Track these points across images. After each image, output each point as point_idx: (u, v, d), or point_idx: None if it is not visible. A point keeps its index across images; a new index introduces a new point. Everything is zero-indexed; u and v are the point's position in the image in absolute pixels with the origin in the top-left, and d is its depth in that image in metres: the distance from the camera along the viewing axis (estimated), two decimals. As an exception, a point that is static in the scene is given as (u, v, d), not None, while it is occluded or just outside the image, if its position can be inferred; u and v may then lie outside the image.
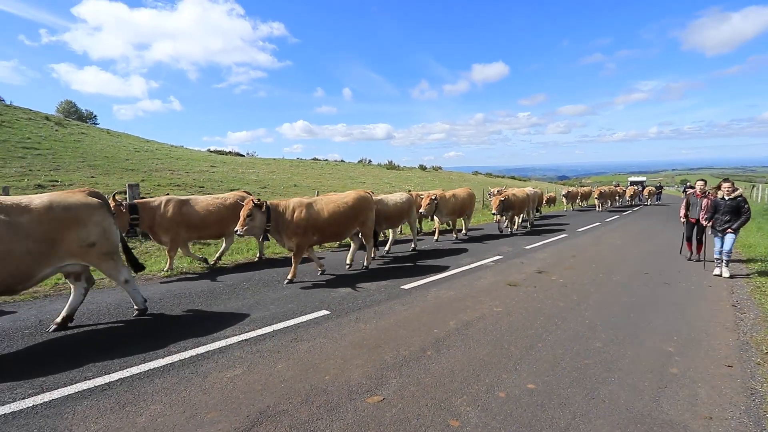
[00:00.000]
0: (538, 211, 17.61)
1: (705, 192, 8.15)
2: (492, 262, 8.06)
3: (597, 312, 5.09)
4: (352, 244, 7.64)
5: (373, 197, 7.77)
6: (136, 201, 6.68)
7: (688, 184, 35.13)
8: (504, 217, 12.08)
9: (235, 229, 5.80)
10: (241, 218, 5.80)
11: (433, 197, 9.76)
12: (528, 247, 9.81)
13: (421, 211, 9.54)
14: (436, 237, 10.81)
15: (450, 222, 11.04)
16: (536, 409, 2.94)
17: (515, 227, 12.67)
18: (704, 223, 7.51)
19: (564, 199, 23.19)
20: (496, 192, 13.78)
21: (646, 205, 28.69)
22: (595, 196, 22.75)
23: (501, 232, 12.36)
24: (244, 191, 8.54)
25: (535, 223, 15.26)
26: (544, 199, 21.74)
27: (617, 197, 26.27)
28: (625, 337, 4.29)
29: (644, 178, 45.46)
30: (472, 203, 11.66)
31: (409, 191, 11.30)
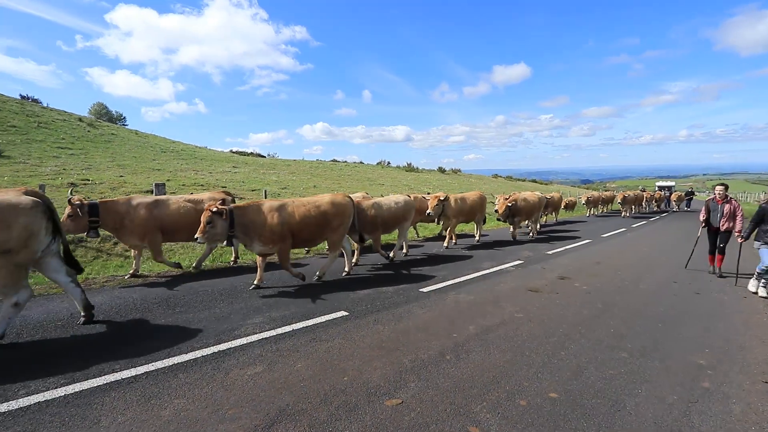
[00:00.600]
0: (542, 216, 16.97)
1: (726, 197, 7.46)
2: (512, 266, 7.93)
3: (623, 321, 4.93)
4: (352, 251, 7.43)
5: (366, 200, 7.50)
6: (98, 201, 6.24)
7: (690, 189, 33.06)
8: (512, 223, 11.44)
9: (195, 236, 5.45)
10: (201, 225, 5.45)
11: (441, 198, 9.40)
12: (550, 253, 9.60)
13: (428, 212, 9.22)
14: (446, 244, 10.10)
15: (457, 224, 10.57)
16: (558, 419, 2.87)
17: (531, 233, 12.18)
18: (737, 236, 6.92)
19: (585, 205, 21.98)
20: (501, 199, 13.30)
21: (674, 211, 27.18)
22: (618, 200, 21.50)
23: (514, 239, 11.70)
24: (223, 190, 8.07)
25: (546, 229, 14.68)
26: (563, 203, 20.70)
27: (644, 203, 24.94)
28: (653, 348, 4.13)
29: (673, 183, 43.33)
30: (483, 207, 11.09)
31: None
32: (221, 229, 5.56)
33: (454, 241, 10.51)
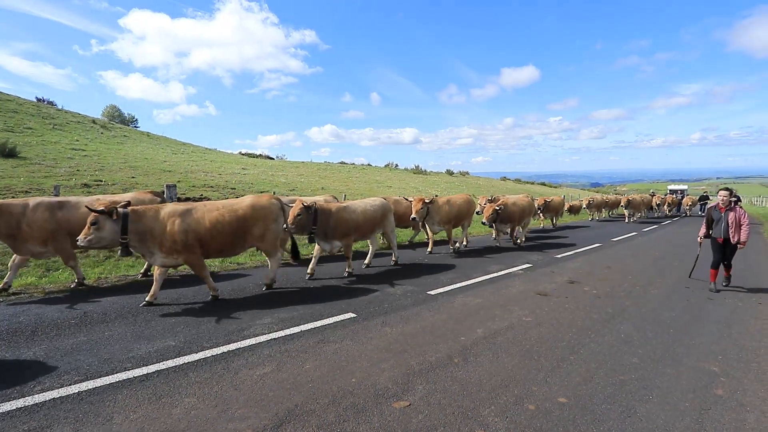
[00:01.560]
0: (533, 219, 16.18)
1: (730, 204, 6.51)
2: (521, 270, 7.88)
3: (633, 326, 4.86)
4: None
5: (337, 203, 7.03)
6: None
7: (704, 193, 28.41)
8: (499, 229, 10.63)
9: (77, 239, 4.80)
10: (86, 226, 4.77)
11: (426, 200, 8.83)
12: (559, 256, 9.52)
13: (412, 216, 8.62)
14: (429, 248, 9.57)
15: (442, 230, 9.67)
16: (567, 425, 2.84)
17: (519, 240, 11.29)
18: (741, 248, 6.37)
19: (586, 209, 20.21)
20: (484, 201, 11.91)
21: (684, 216, 25.53)
22: (623, 204, 19.83)
23: (515, 244, 10.91)
24: (150, 191, 7.29)
25: (532, 235, 13.42)
26: (566, 206, 19.09)
27: (653, 206, 23.04)
28: (665, 354, 4.07)
29: (685, 187, 42.38)
30: (471, 211, 10.37)
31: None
32: (109, 233, 4.79)
33: (429, 249, 9.65)
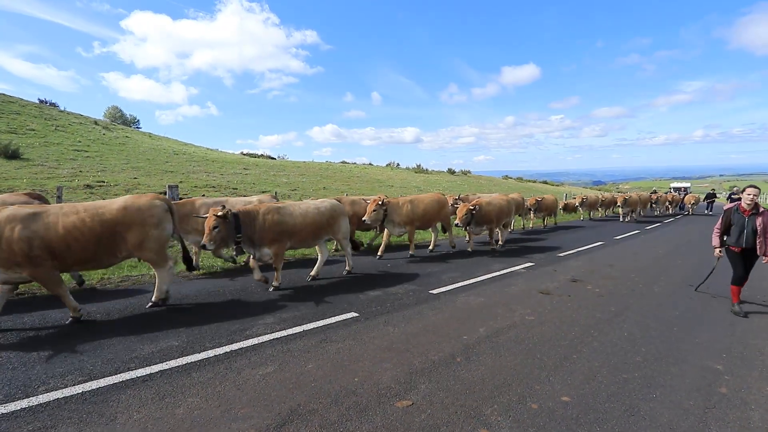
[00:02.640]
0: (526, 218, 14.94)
1: (757, 207, 5.28)
2: (523, 269, 7.86)
3: (637, 324, 4.85)
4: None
5: (275, 205, 6.07)
6: None
7: (735, 189, 23.84)
8: (474, 232, 9.61)
9: None
10: None
11: (380, 202, 8.04)
12: (561, 255, 9.49)
13: (364, 218, 7.90)
14: (380, 252, 8.64)
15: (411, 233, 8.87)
16: (571, 423, 2.84)
17: (499, 243, 10.42)
18: (765, 259, 5.17)
19: (579, 208, 18.70)
20: (452, 201, 10.63)
21: (687, 214, 24.12)
22: (619, 203, 18.45)
23: (493, 249, 9.82)
24: (31, 191, 6.54)
25: (514, 237, 12.63)
26: (560, 205, 18.27)
27: (652, 204, 21.85)
28: (668, 352, 4.06)
29: (688, 185, 41.94)
30: (442, 212, 9.48)
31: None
32: None
33: (379, 253, 8.66)
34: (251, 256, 6.09)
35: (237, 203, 7.15)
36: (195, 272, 6.80)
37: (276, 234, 5.90)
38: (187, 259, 5.68)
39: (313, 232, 6.45)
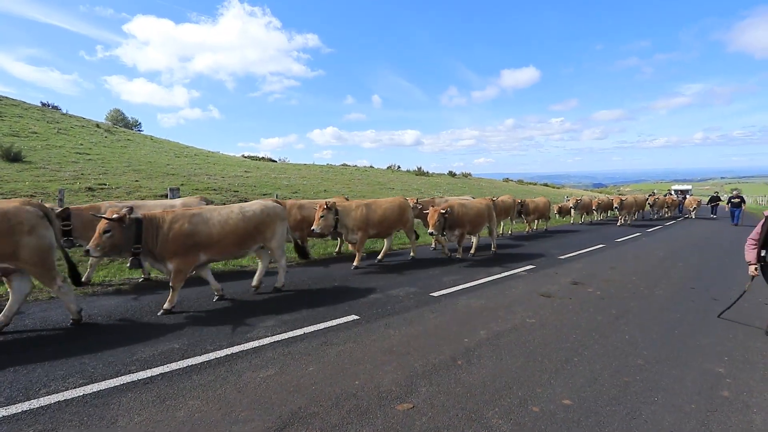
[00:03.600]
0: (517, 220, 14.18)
1: None
2: (524, 271, 7.85)
3: (638, 327, 4.84)
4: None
5: (188, 212, 5.16)
6: None
7: (735, 192, 21.30)
8: (450, 239, 8.80)
9: None
10: None
11: (328, 207, 7.25)
12: (562, 257, 9.48)
13: (313, 227, 7.16)
14: (356, 262, 7.78)
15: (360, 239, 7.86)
16: (572, 426, 2.83)
17: (471, 251, 9.55)
18: None
19: (573, 210, 18.04)
20: (413, 203, 9.33)
21: (687, 217, 23.50)
22: (615, 205, 17.71)
23: (450, 256, 9.06)
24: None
25: (486, 242, 10.88)
26: (555, 208, 17.88)
27: (650, 207, 21.20)
28: (670, 356, 4.05)
29: (689, 187, 41.82)
30: (404, 217, 8.50)
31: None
32: None
33: (355, 262, 7.79)
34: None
35: (155, 207, 6.29)
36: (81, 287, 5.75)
37: (182, 246, 4.92)
38: (73, 272, 4.87)
39: (236, 242, 5.43)
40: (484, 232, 10.31)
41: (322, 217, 7.17)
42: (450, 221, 8.37)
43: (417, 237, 9.16)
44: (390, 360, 3.80)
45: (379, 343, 4.20)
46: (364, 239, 7.97)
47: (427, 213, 8.36)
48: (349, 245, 8.22)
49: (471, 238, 9.95)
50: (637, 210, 20.07)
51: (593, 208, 18.74)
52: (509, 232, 14.48)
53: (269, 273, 6.51)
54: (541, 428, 2.80)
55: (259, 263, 6.17)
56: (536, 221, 15.48)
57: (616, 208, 17.78)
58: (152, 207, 6.39)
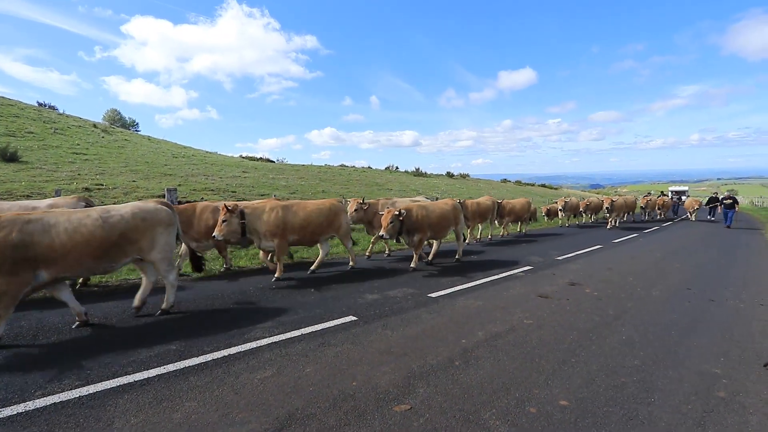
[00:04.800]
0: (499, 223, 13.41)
1: None
2: (522, 272, 7.87)
3: (635, 328, 4.85)
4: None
5: (22, 217, 4.02)
6: None
7: (727, 194, 21.57)
8: (409, 243, 7.97)
9: None
10: None
11: (230, 209, 6.14)
12: (560, 258, 9.51)
13: (215, 234, 6.13)
14: (277, 274, 6.71)
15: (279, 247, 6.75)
16: (569, 427, 2.83)
17: (429, 257, 8.65)
18: None
19: (561, 212, 17.27)
20: (354, 206, 8.40)
21: (684, 218, 23.08)
22: (606, 206, 16.92)
23: (423, 263, 8.11)
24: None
25: (448, 246, 10.37)
26: (543, 210, 17.73)
27: (644, 209, 20.60)
28: (666, 356, 4.06)
29: (686, 188, 42.04)
30: (337, 221, 7.49)
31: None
32: None
33: (276, 274, 6.73)
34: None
35: (12, 209, 5.44)
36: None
37: (7, 261, 3.80)
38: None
39: (94, 254, 4.34)
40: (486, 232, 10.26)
41: (224, 221, 6.15)
42: (408, 225, 7.59)
43: (394, 241, 7.97)
44: (388, 361, 3.80)
45: (376, 344, 4.20)
46: (283, 247, 6.82)
47: (380, 215, 7.77)
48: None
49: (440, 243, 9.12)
50: (628, 212, 19.64)
51: (581, 209, 18.00)
52: (488, 237, 13.08)
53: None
54: (538, 429, 2.80)
55: (143, 279, 5.03)
56: (519, 224, 14.72)
57: (606, 209, 17.05)
58: (7, 209, 5.39)
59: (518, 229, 14.94)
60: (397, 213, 7.42)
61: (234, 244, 7.10)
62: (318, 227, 7.22)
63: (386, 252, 9.62)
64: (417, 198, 10.19)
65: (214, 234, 6.22)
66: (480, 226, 12.86)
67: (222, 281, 6.73)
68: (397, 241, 7.83)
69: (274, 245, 6.73)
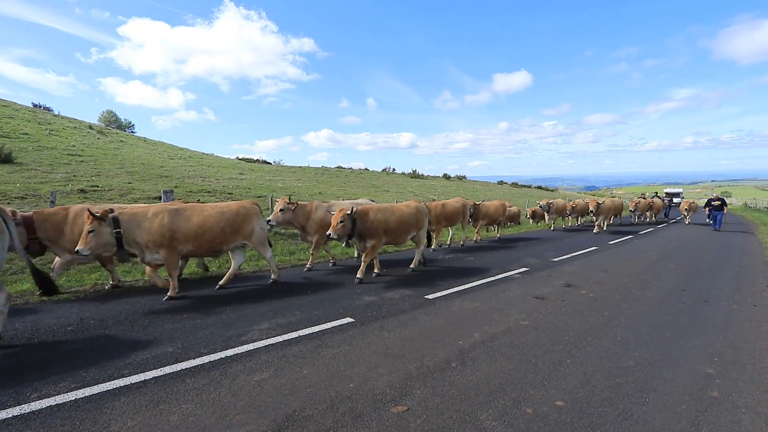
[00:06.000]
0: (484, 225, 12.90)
1: None
2: (518, 274, 7.90)
3: (630, 329, 4.89)
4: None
5: None
6: None
7: (715, 195, 20.29)
8: (360, 250, 7.33)
9: None
10: None
11: (99, 217, 5.05)
12: (556, 260, 9.56)
13: (78, 249, 4.94)
14: (170, 291, 5.67)
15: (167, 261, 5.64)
16: (565, 428, 2.85)
17: (412, 265, 7.93)
18: None
19: (546, 215, 16.72)
20: (281, 205, 7.48)
21: (678, 220, 22.57)
22: (591, 209, 15.86)
23: (361, 280, 6.83)
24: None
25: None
26: (528, 212, 17.18)
27: (633, 211, 19.67)
28: (661, 357, 4.10)
29: (680, 190, 42.23)
30: (247, 227, 6.34)
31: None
32: None
33: (173, 289, 5.70)
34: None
35: None
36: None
37: None
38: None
39: None
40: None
41: (91, 231, 5.01)
42: (361, 228, 6.85)
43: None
44: (385, 362, 3.81)
45: (374, 345, 4.21)
46: (173, 259, 5.66)
47: (315, 218, 7.37)
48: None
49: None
50: (615, 214, 18.83)
51: (567, 212, 17.13)
52: (461, 242, 11.99)
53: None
54: (534, 430, 2.82)
55: None
56: (496, 228, 13.90)
57: (591, 212, 16.03)
58: None
59: (500, 232, 14.08)
60: (349, 212, 6.69)
61: (108, 258, 5.99)
62: (219, 235, 6.02)
63: (330, 261, 8.36)
64: (359, 200, 9.11)
65: (77, 248, 4.96)
66: (451, 230, 12.00)
67: (216, 282, 6.71)
68: (347, 245, 7.17)
69: (162, 258, 5.58)
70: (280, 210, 7.48)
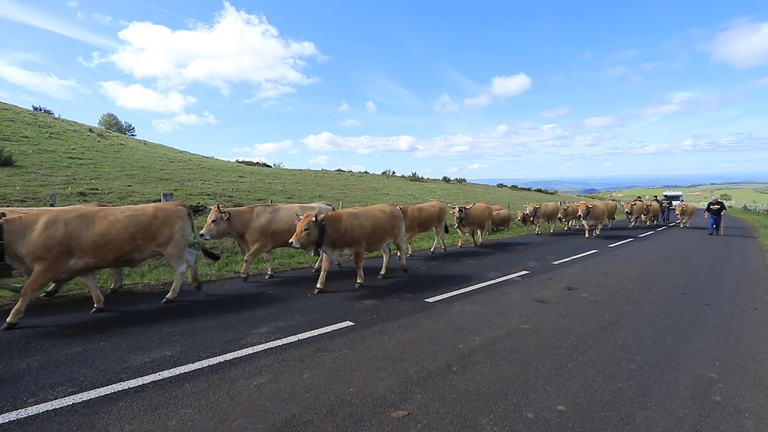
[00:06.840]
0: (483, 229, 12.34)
1: None
2: (518, 277, 7.88)
3: (631, 333, 4.87)
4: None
5: None
6: None
7: (714, 199, 18.88)
8: (333, 259, 6.69)
9: None
10: None
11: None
12: (556, 263, 9.54)
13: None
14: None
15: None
16: (567, 433, 2.83)
17: (382, 271, 7.60)
18: None
19: (532, 219, 16.19)
20: (215, 215, 6.75)
21: (675, 224, 21.84)
22: (581, 213, 15.07)
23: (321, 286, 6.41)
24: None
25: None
26: (519, 215, 16.49)
27: (629, 215, 19.38)
28: (662, 361, 4.08)
29: (680, 193, 42.17)
30: (166, 232, 5.57)
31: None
32: None
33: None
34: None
35: None
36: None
37: None
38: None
39: None
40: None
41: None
42: (334, 236, 6.37)
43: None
44: (385, 366, 3.79)
45: (374, 349, 4.19)
46: (42, 276, 4.66)
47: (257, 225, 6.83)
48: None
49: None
50: (604, 218, 17.39)
51: (559, 215, 16.51)
52: (442, 248, 11.45)
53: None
54: (535, 434, 2.80)
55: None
56: (480, 232, 12.72)
57: (580, 215, 15.13)
58: None
59: (480, 238, 12.83)
60: (314, 219, 5.98)
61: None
62: (127, 242, 5.18)
63: (268, 272, 7.55)
64: (312, 204, 8.44)
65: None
66: (437, 236, 11.28)
67: (218, 287, 6.69)
68: (315, 254, 6.71)
69: (31, 272, 4.65)
70: (213, 221, 6.71)
